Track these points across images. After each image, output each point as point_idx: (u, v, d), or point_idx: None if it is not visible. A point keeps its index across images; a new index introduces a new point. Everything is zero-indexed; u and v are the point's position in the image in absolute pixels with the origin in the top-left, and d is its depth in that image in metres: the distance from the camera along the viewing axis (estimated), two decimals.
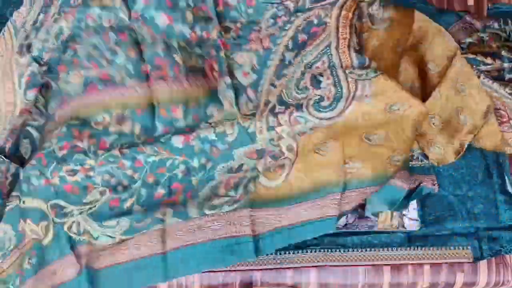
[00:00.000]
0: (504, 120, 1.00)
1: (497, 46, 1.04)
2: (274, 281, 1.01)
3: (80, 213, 0.94)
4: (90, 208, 0.94)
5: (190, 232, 0.94)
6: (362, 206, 1.03)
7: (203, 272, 1.00)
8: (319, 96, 0.96)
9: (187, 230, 0.94)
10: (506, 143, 1.00)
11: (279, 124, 0.95)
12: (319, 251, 1.02)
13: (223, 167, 0.95)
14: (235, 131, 0.94)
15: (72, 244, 0.95)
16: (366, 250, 1.03)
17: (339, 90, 0.95)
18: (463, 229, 1.04)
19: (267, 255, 1.01)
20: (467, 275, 1.02)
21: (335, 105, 0.95)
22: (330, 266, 1.01)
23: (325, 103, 0.96)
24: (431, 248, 1.03)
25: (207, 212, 0.94)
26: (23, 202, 0.94)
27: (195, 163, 0.95)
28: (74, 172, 0.93)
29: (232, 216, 0.94)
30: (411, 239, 1.03)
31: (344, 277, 1.01)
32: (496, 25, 1.09)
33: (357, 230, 1.04)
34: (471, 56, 1.00)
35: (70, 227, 0.95)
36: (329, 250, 1.02)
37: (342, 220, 1.03)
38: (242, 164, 0.95)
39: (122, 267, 0.94)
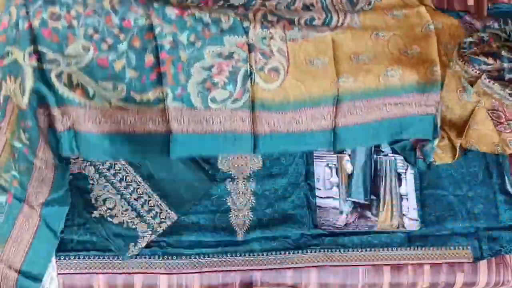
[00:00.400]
0: (502, 120, 1.00)
1: (497, 46, 1.04)
2: (274, 281, 1.01)
3: (68, 66, 0.91)
4: (77, 63, 0.92)
5: (195, 122, 0.97)
6: (363, 206, 1.04)
7: (203, 272, 1.00)
8: (311, 16, 1.00)
9: (193, 120, 0.97)
10: (505, 144, 1.00)
11: (273, 27, 0.98)
12: (319, 251, 1.02)
13: (212, 51, 0.96)
14: (230, 21, 0.97)
15: (59, 101, 0.92)
16: (366, 250, 1.03)
17: (329, 16, 1.01)
18: (463, 229, 1.04)
19: (267, 254, 1.01)
20: (467, 275, 1.02)
21: (327, 24, 1.01)
22: (330, 266, 1.01)
23: (316, 22, 1.00)
24: (431, 248, 1.03)
25: (211, 105, 0.97)
26: (11, 53, 0.91)
27: (183, 37, 0.96)
28: (57, 17, 0.91)
29: (235, 114, 0.98)
30: (411, 239, 1.03)
31: (344, 277, 1.01)
32: (496, 25, 1.09)
33: (357, 230, 1.04)
34: (472, 56, 1.00)
35: (59, 76, 0.91)
36: (329, 250, 1.02)
37: (342, 220, 1.03)
38: (232, 53, 0.97)
39: (113, 137, 0.94)
